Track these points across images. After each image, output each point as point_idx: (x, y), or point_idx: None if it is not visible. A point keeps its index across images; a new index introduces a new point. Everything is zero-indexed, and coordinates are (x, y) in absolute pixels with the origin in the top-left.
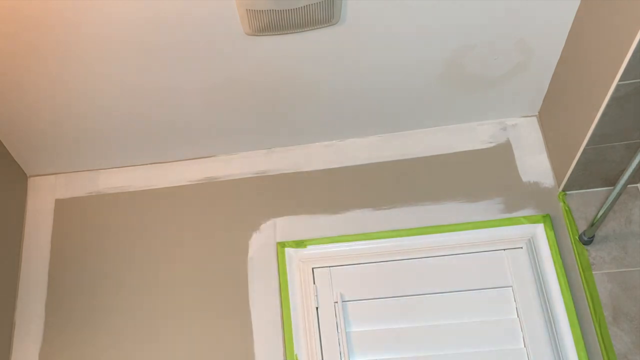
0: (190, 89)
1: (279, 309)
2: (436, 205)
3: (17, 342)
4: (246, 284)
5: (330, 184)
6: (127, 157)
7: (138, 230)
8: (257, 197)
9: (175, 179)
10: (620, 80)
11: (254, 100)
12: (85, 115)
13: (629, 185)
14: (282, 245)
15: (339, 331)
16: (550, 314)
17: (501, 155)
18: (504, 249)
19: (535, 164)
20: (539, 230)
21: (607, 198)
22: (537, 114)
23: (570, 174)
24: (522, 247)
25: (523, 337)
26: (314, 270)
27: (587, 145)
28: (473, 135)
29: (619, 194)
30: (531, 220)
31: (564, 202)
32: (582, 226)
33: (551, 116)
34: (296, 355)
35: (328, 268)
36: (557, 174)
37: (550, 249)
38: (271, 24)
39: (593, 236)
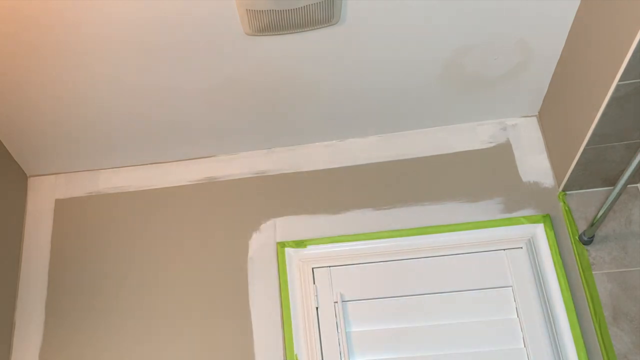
0: (190, 89)
1: (279, 309)
2: (436, 205)
3: (17, 342)
4: (246, 284)
5: (330, 184)
6: (127, 157)
7: (138, 230)
8: (257, 197)
9: (175, 179)
10: (620, 80)
11: (254, 100)
12: (86, 115)
13: (629, 185)
14: (282, 245)
15: (339, 331)
16: (550, 314)
17: (501, 155)
18: (504, 249)
19: (535, 164)
20: (539, 230)
21: (607, 198)
22: (537, 114)
23: (570, 174)
24: (522, 247)
25: (523, 337)
26: (314, 270)
27: (587, 145)
28: (473, 135)
29: (619, 194)
30: (531, 220)
31: (564, 202)
32: (582, 226)
33: (551, 116)
34: (296, 355)
35: (328, 268)
36: (557, 174)
37: (550, 249)
38: (271, 24)
39: (593, 236)
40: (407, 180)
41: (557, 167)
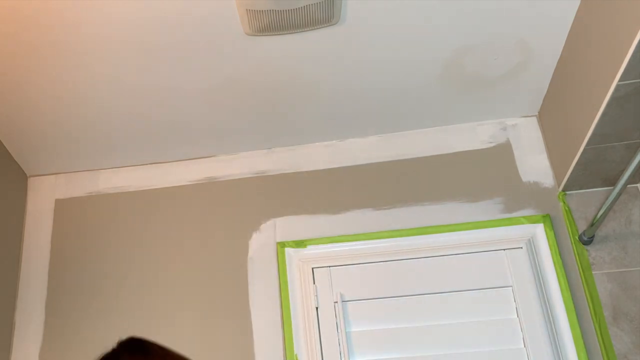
0: (190, 89)
1: (279, 309)
2: (436, 205)
3: (17, 342)
4: (246, 284)
5: (330, 184)
6: (127, 157)
7: (138, 230)
8: (257, 197)
9: (175, 179)
10: (620, 80)
11: (254, 100)
12: (86, 115)
13: (629, 185)
14: (282, 245)
15: (339, 331)
16: (550, 314)
17: (501, 155)
18: (504, 249)
19: (535, 164)
20: (539, 230)
21: (607, 198)
22: (537, 114)
23: (570, 174)
24: (522, 247)
25: (523, 337)
26: (314, 270)
27: (587, 145)
28: (473, 135)
29: (619, 194)
30: (531, 220)
31: (564, 202)
32: (582, 226)
33: (551, 116)
34: (296, 355)
35: (328, 268)
36: (557, 174)
37: (550, 249)
38: (271, 24)
39: (593, 236)
40: (407, 180)
41: (557, 167)
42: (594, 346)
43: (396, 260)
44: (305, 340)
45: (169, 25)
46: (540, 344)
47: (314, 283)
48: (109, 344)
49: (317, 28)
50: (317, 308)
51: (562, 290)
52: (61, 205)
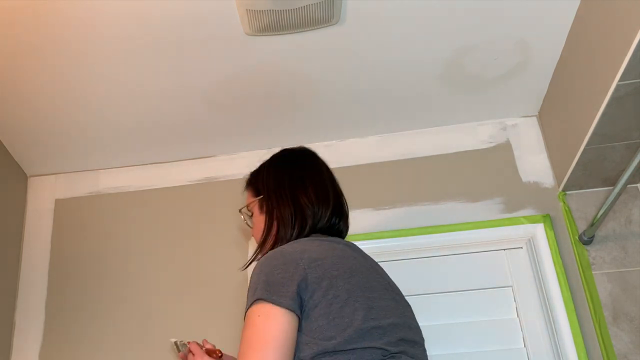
0: (190, 89)
1: None
2: (436, 205)
3: (17, 342)
4: (246, 284)
5: None
6: (127, 157)
7: (138, 230)
8: None
9: (175, 179)
10: (620, 80)
11: (253, 100)
12: (86, 115)
13: (629, 185)
14: None
15: None
16: (550, 314)
17: (501, 155)
18: (504, 249)
19: (535, 164)
20: (539, 230)
21: (607, 198)
22: (537, 114)
23: (570, 174)
24: (522, 247)
25: (523, 337)
26: None
27: (587, 145)
28: (473, 135)
29: (619, 194)
30: (531, 220)
31: (564, 202)
32: (582, 226)
33: (551, 116)
34: None
35: None
36: (557, 174)
37: (550, 249)
38: (271, 24)
39: (593, 236)
40: (407, 180)
41: (557, 167)
42: (594, 346)
43: (396, 260)
44: None
45: (169, 26)
46: (540, 344)
47: None
48: (109, 344)
49: (317, 28)
50: None
51: (562, 290)
52: (61, 205)
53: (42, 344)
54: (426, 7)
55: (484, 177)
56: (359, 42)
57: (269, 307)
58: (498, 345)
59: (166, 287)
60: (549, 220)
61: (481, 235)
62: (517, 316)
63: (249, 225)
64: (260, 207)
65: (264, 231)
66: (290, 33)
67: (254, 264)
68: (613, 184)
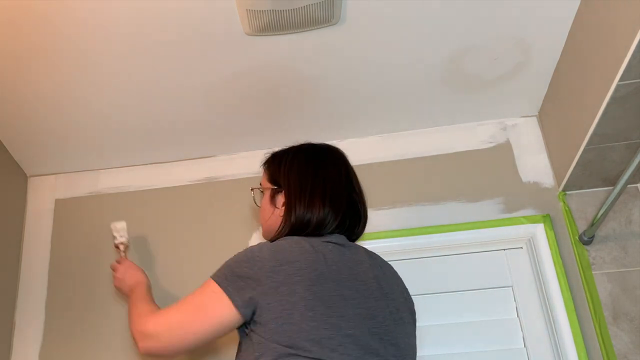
0: (190, 89)
1: None
2: (436, 205)
3: (17, 342)
4: None
5: None
6: (127, 157)
7: (138, 230)
8: None
9: (175, 179)
10: (620, 80)
11: (253, 100)
12: (86, 115)
13: (629, 185)
14: None
15: None
16: (550, 314)
17: (501, 155)
18: (504, 249)
19: (535, 164)
20: (539, 230)
21: (607, 198)
22: (537, 114)
23: (570, 174)
24: (522, 247)
25: (523, 337)
26: None
27: (587, 145)
28: (473, 135)
29: (619, 194)
30: (531, 220)
31: (564, 202)
32: (582, 226)
33: (551, 116)
34: None
35: None
36: (557, 174)
37: (550, 249)
38: (271, 24)
39: (593, 236)
40: (407, 180)
41: (557, 167)
42: (594, 346)
43: (396, 260)
44: None
45: (169, 25)
46: (540, 344)
47: None
48: (109, 344)
49: (317, 28)
50: None
51: (562, 290)
52: (61, 205)
53: (42, 344)
54: (426, 7)
55: (484, 177)
56: (359, 42)
57: (224, 296)
58: (498, 345)
59: (166, 287)
60: (549, 220)
61: (481, 235)
62: (517, 316)
63: (256, 204)
64: (272, 197)
65: (270, 224)
66: (290, 33)
67: None
68: (613, 184)
